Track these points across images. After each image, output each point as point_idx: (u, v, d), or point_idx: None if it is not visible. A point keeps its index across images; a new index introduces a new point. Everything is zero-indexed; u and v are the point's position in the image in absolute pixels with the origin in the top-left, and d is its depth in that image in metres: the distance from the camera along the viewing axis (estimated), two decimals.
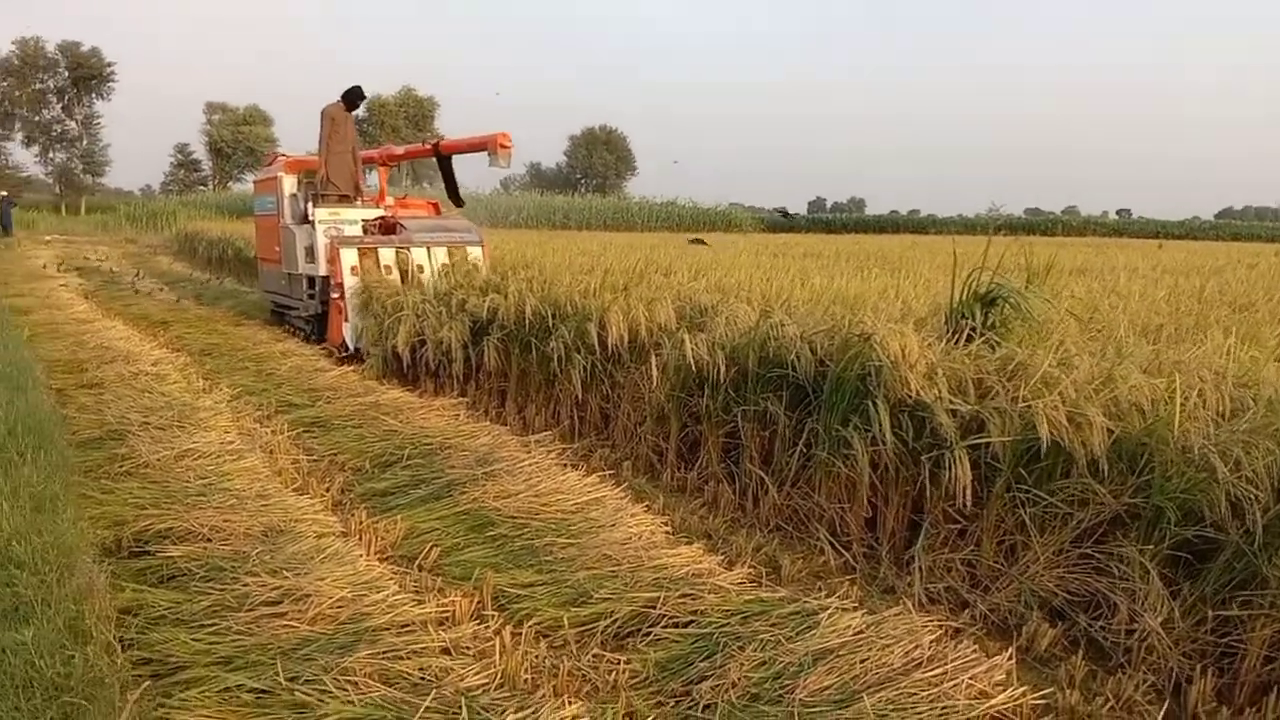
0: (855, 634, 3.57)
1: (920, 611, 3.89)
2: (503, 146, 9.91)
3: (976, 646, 3.49)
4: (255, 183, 12.92)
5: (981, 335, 5.13)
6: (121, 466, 5.41)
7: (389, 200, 11.66)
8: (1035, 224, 56.66)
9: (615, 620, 3.78)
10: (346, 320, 9.56)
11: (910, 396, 4.47)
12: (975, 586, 4.19)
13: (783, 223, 39.49)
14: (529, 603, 3.96)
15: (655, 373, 5.91)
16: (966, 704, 3.17)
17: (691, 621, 3.75)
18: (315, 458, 6.13)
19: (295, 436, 6.54)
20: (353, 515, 4.95)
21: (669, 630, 3.70)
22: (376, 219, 10.77)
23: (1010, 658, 3.40)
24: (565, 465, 5.79)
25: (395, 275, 9.83)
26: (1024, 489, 4.07)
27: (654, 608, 3.84)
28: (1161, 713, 3.30)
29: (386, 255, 9.98)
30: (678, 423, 5.94)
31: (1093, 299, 7.76)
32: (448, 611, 3.76)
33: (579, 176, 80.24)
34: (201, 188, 63.78)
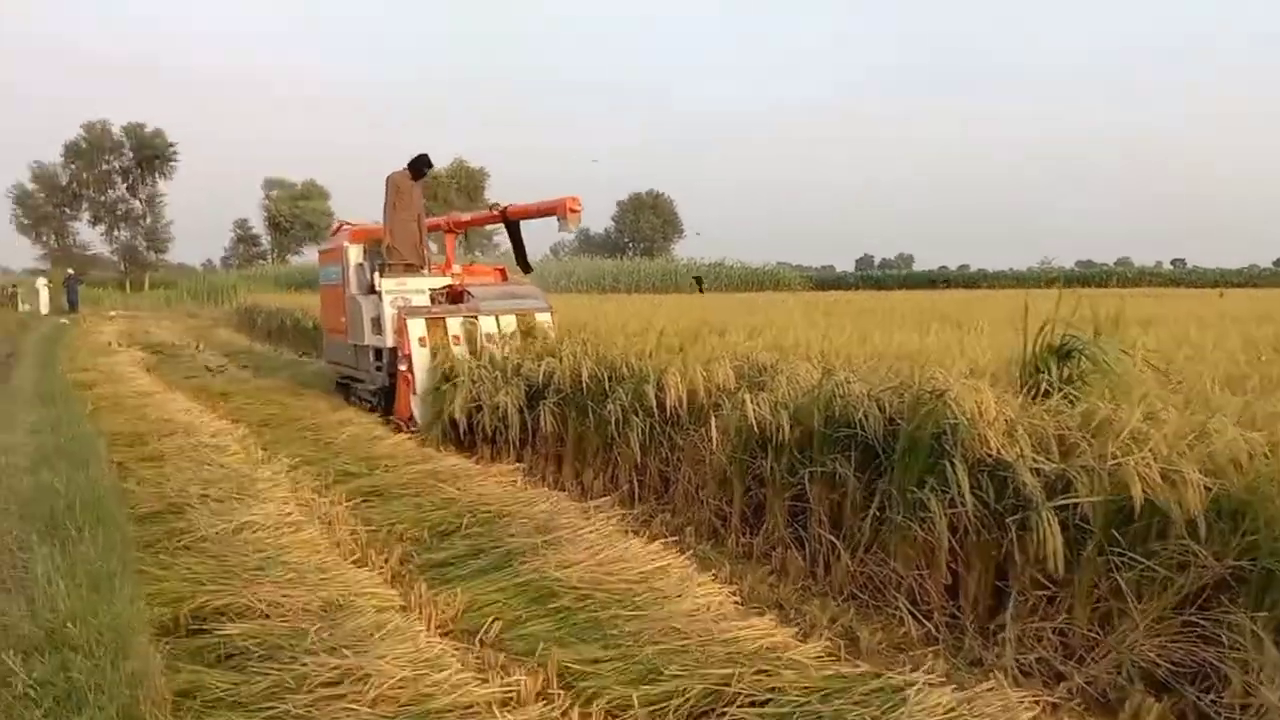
0: (946, 713, 3.34)
1: (1013, 686, 3.65)
2: (572, 211, 9.73)
3: None
4: (321, 253, 12.75)
5: (1059, 390, 4.92)
6: (180, 541, 5.35)
7: (456, 268, 11.42)
8: (1089, 276, 55.83)
9: (687, 699, 3.59)
10: (415, 393, 9.21)
11: (990, 455, 4.27)
12: (1069, 657, 3.93)
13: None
14: (595, 680, 3.78)
15: (715, 434, 5.74)
16: None
17: (769, 700, 3.54)
18: (373, 528, 6.03)
19: (353, 506, 6.45)
20: (412, 588, 4.82)
21: (746, 710, 3.50)
22: (444, 288, 10.53)
23: None
24: (627, 532, 5.63)
25: (464, 345, 9.46)
26: (1117, 552, 3.83)
27: (728, 685, 3.63)
28: None
29: (454, 325, 9.58)
30: (741, 486, 5.77)
31: (1165, 350, 7.47)
32: (512, 691, 3.60)
33: (627, 240, 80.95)
34: (261, 262, 65.34)
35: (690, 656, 3.87)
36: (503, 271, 11.79)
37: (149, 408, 10.58)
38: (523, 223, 11.11)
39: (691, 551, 5.34)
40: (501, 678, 3.70)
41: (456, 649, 3.99)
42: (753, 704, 3.55)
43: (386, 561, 5.37)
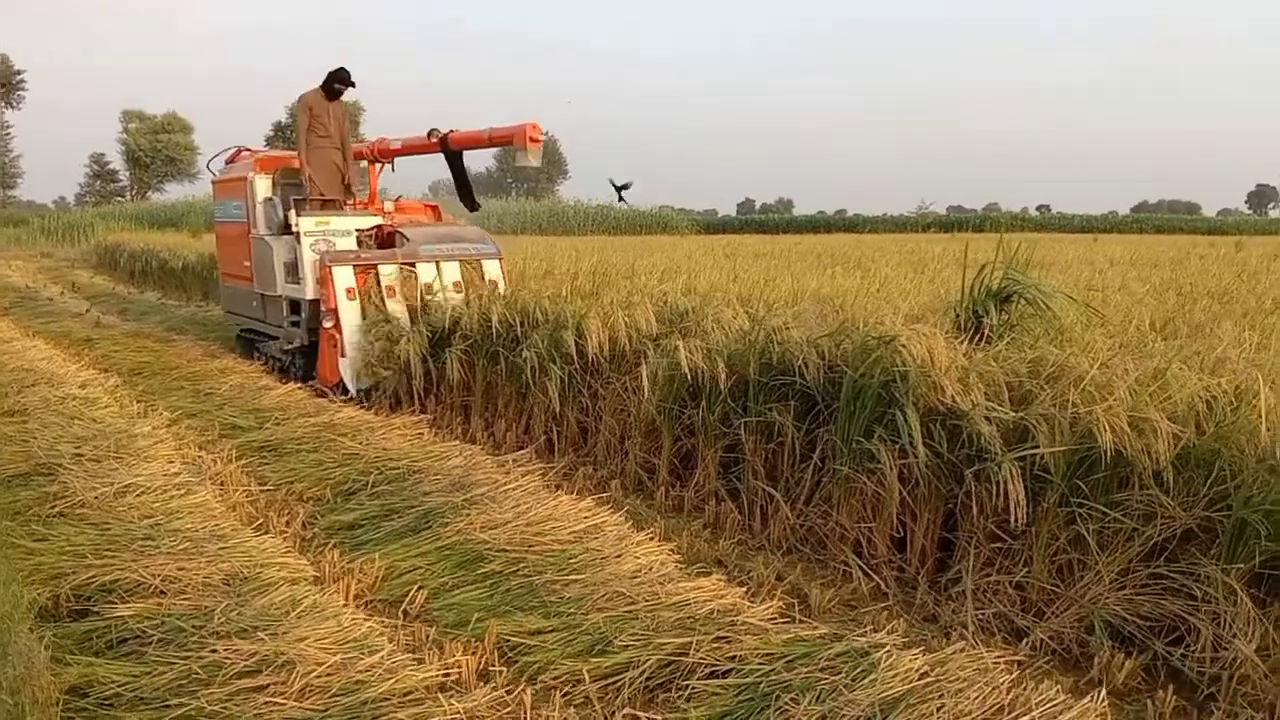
0: (920, 677, 3.14)
1: (976, 644, 3.50)
2: (533, 140, 8.19)
3: (1059, 686, 3.10)
4: (216, 184, 10.63)
5: (1000, 335, 4.78)
6: (54, 507, 4.78)
7: (387, 205, 9.81)
8: (962, 221, 57.16)
9: (643, 672, 3.31)
10: (344, 355, 7.85)
11: (943, 404, 4.09)
12: (1027, 611, 3.81)
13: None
14: (540, 654, 3.47)
15: (645, 382, 5.44)
16: None
17: (731, 670, 3.29)
18: (271, 487, 5.55)
19: (246, 464, 5.94)
20: (323, 555, 4.41)
21: (707, 682, 3.24)
22: (372, 229, 8.86)
23: (1103, 700, 3.01)
24: (552, 487, 5.30)
25: (399, 298, 8.09)
26: (1079, 502, 3.71)
27: (685, 654, 3.37)
28: None
29: (388, 273, 8.17)
30: (670, 436, 5.50)
31: (1083, 294, 7.50)
32: (452, 672, 3.25)
33: (510, 180, 79.27)
34: (119, 199, 61.47)
35: (640, 624, 3.59)
36: (436, 209, 10.30)
37: (5, 356, 9.65)
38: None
39: (627, 509, 5.04)
40: (438, 657, 3.36)
41: (384, 626, 3.61)
42: (713, 674, 3.30)
43: (289, 525, 4.94)
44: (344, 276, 8.02)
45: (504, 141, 8.57)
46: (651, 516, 5.09)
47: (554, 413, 6.30)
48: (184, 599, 3.67)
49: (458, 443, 6.30)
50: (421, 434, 6.63)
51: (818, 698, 3.06)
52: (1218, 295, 8.18)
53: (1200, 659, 3.31)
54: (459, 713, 2.95)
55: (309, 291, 8.33)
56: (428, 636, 3.64)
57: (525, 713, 3.04)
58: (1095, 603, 3.60)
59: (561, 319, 6.40)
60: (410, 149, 9.87)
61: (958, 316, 5.14)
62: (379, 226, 8.90)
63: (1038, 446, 3.75)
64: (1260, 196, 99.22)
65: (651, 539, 4.46)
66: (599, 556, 4.21)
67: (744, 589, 4.07)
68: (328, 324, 7.96)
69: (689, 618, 3.62)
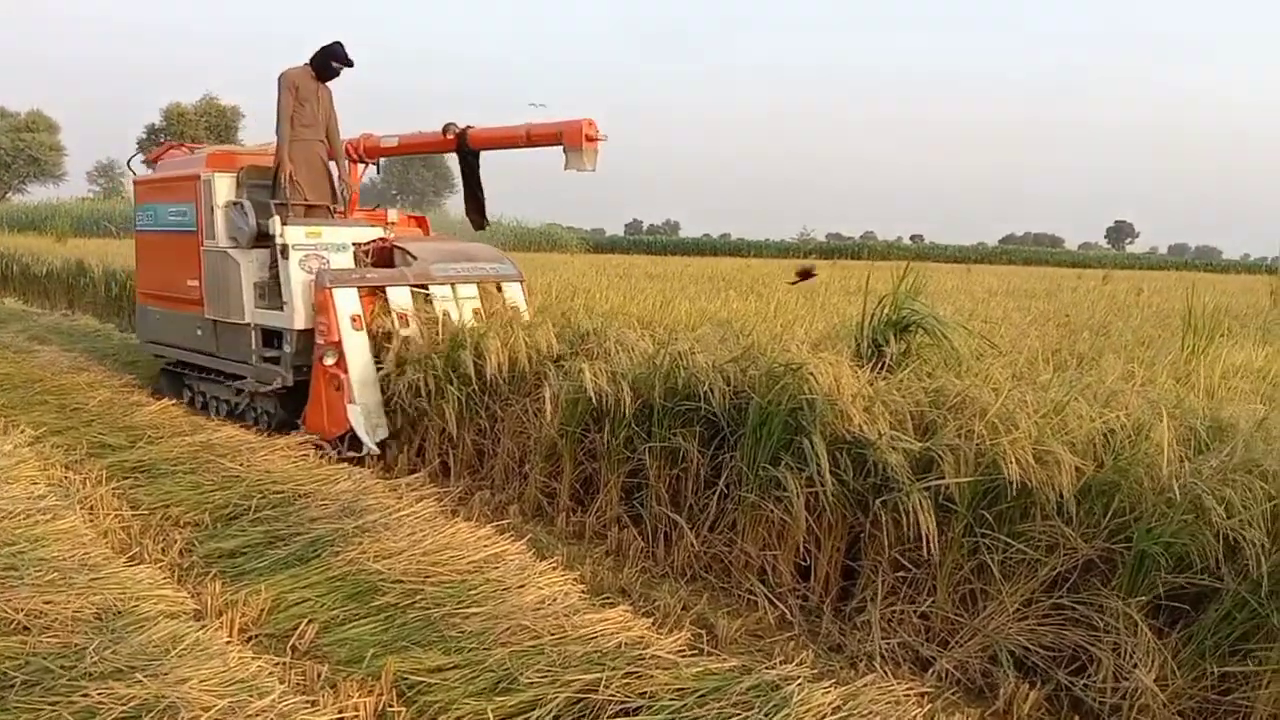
0: (834, 711, 3.10)
1: (885, 675, 3.49)
2: (589, 139, 6.63)
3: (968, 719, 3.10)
4: (140, 185, 8.70)
5: (899, 364, 4.83)
6: None
7: (392, 215, 8.42)
8: (842, 248, 58.74)
9: (550, 710, 3.18)
10: (352, 400, 6.40)
11: (850, 433, 4.09)
12: (932, 641, 3.83)
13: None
14: (441, 693, 3.31)
15: (548, 405, 5.31)
16: None
17: (642, 707, 3.19)
18: (145, 512, 5.22)
19: (117, 487, 5.58)
20: (204, 586, 4.15)
21: None
22: (371, 243, 7.33)
23: None
24: (449, 513, 5.12)
25: (414, 328, 6.64)
26: (983, 533, 3.75)
27: (595, 691, 3.26)
28: None
29: (399, 298, 6.77)
30: (571, 461, 5.38)
31: (977, 325, 7.70)
32: (348, 715, 3.07)
33: (394, 194, 77.82)
34: None
35: (547, 659, 3.46)
36: (423, 222, 8.82)
37: None
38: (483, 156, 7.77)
39: (530, 537, 4.89)
40: (333, 699, 3.16)
41: (273, 664, 3.39)
42: (624, 712, 3.19)
43: (166, 553, 4.64)
44: (348, 301, 6.55)
45: (548, 140, 6.87)
46: (553, 544, 4.96)
47: (449, 435, 6.11)
48: (51, 636, 3.37)
49: (346, 466, 6.04)
50: (307, 455, 6.34)
51: None
52: (1094, 328, 8.50)
53: (1102, 689, 3.36)
54: None
55: (298, 320, 6.75)
56: (320, 675, 3.44)
57: None
58: (999, 633, 3.63)
59: (459, 338, 6.22)
60: (411, 147, 8.22)
61: (858, 344, 5.18)
62: (380, 240, 7.40)
63: (944, 477, 3.78)
64: (1119, 231, 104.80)
65: (555, 568, 4.33)
66: (500, 587, 4.07)
67: (651, 620, 3.99)
68: (328, 361, 6.40)
69: (597, 651, 3.51)
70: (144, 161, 9.26)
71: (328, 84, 7.45)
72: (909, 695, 3.21)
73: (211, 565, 4.57)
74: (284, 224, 6.85)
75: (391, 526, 4.73)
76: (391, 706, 3.23)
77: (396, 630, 3.81)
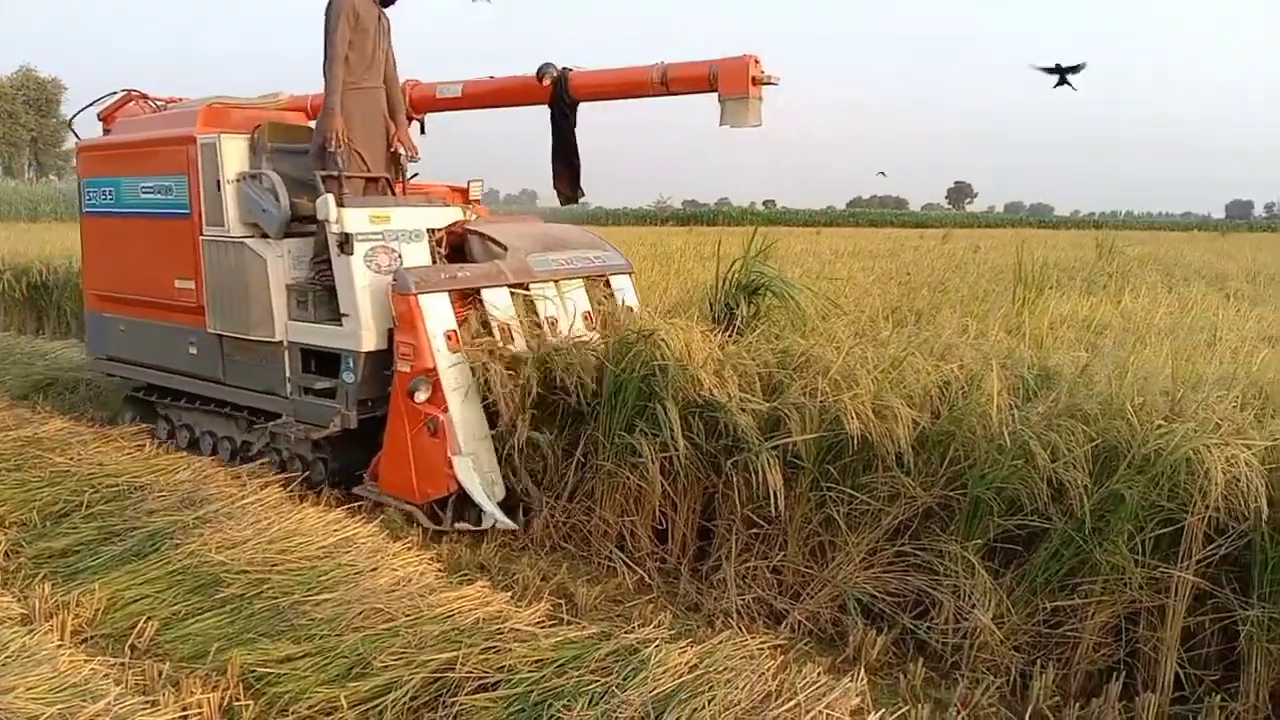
0: (690, 670, 3.13)
1: (741, 630, 3.56)
2: (755, 82, 4.86)
3: (820, 668, 3.19)
4: (90, 152, 6.66)
5: (752, 327, 4.91)
6: None
7: (475, 191, 6.48)
8: (698, 214, 59.48)
9: (406, 692, 3.12)
10: (457, 450, 4.66)
11: (701, 397, 4.13)
12: (785, 594, 3.93)
13: None
14: (291, 682, 3.20)
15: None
16: None
17: (500, 681, 3.16)
18: None
19: None
20: (32, 589, 3.90)
21: (476, 697, 3.09)
22: (449, 227, 5.57)
23: (861, 678, 3.12)
24: (296, 499, 4.95)
25: (520, 345, 4.94)
26: (829, 486, 3.85)
27: (452, 669, 3.21)
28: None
29: (498, 303, 5.05)
30: None
31: (814, 283, 7.90)
32: (192, 712, 2.94)
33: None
34: None
35: (402, 640, 3.38)
36: (464, 194, 6.46)
37: None
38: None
39: (380, 518, 4.78)
40: (175, 697, 3.02)
41: (109, 665, 3.22)
42: (483, 687, 3.15)
43: None
44: (442, 313, 4.80)
45: (692, 85, 5.16)
46: (408, 524, 4.86)
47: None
48: None
49: (185, 455, 5.77)
50: (144, 446, 6.02)
51: (590, 701, 2.99)
52: (933, 285, 8.86)
53: (944, 631, 3.52)
54: None
55: (367, 338, 4.95)
56: (161, 674, 3.28)
57: None
58: (847, 582, 3.75)
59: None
60: (481, 97, 6.19)
61: (711, 309, 5.24)
62: (455, 226, 5.62)
63: (791, 435, 3.86)
64: (959, 193, 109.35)
65: (410, 548, 4.25)
66: (353, 571, 3.96)
67: (510, 594, 3.95)
68: (420, 396, 4.65)
69: (454, 629, 3.46)
70: (99, 119, 6.97)
71: (387, 10, 5.64)
72: (763, 648, 3.28)
73: (41, 566, 4.30)
74: (340, 205, 5.02)
75: (235, 515, 4.54)
76: (239, 700, 3.12)
77: (243, 622, 3.66)
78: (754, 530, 4.07)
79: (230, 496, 4.84)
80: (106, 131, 6.82)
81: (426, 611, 3.60)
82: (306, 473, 5.40)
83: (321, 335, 5.21)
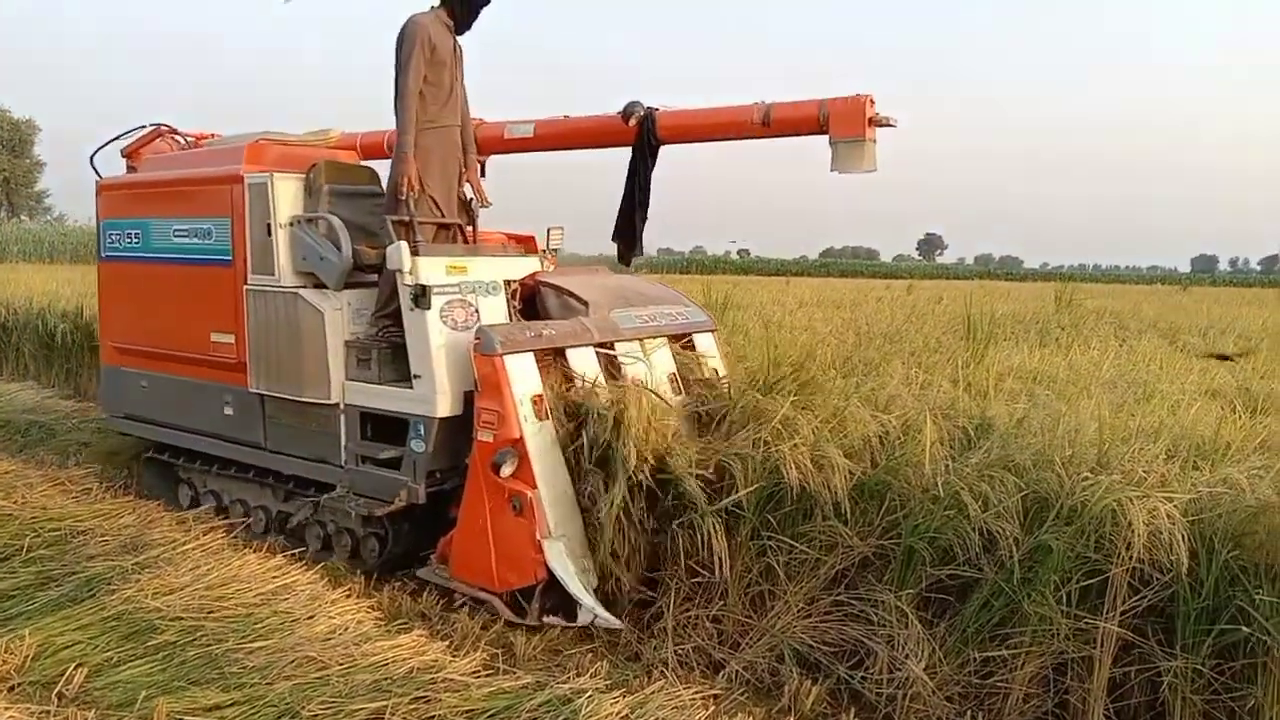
0: (623, 719, 3.15)
1: (677, 681, 3.56)
2: (872, 122, 4.66)
3: (752, 718, 3.20)
4: (114, 190, 6.18)
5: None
6: None
7: (554, 238, 6.19)
8: (672, 263, 59.93)
9: None
10: (547, 532, 4.11)
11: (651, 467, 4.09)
12: (724, 644, 3.92)
13: None
14: None
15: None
16: None
17: None
18: None
19: None
20: None
21: None
22: (526, 279, 5.13)
23: None
24: (239, 546, 4.91)
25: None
26: (770, 535, 3.88)
27: (381, 719, 3.20)
28: None
29: (584, 364, 4.56)
30: None
31: (774, 334, 7.97)
32: None
33: None
34: None
35: (332, 689, 3.37)
36: (531, 242, 6.17)
37: None
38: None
39: (322, 566, 4.75)
40: None
41: (32, 714, 3.17)
42: None
43: None
44: (527, 375, 4.32)
45: (801, 126, 4.90)
46: (351, 572, 4.82)
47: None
48: None
49: (133, 499, 5.72)
50: (90, 490, 5.97)
51: None
52: (889, 335, 8.95)
53: (878, 680, 3.52)
54: None
55: (441, 403, 4.45)
56: None
57: None
58: (785, 632, 3.75)
59: None
60: (556, 138, 5.86)
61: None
62: (529, 278, 5.15)
63: (736, 490, 3.88)
64: (929, 244, 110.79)
65: (349, 596, 4.24)
66: (289, 619, 3.94)
67: (447, 643, 3.94)
68: (505, 470, 4.11)
69: (386, 679, 3.45)
70: (123, 156, 6.48)
71: (458, 37, 5.14)
72: (695, 699, 3.30)
73: None
74: (415, 254, 4.57)
75: (175, 561, 4.51)
76: None
77: (175, 669, 3.62)
78: (696, 579, 4.06)
79: (173, 542, 4.81)
80: (131, 169, 6.39)
81: (360, 660, 3.58)
82: (359, 545, 4.97)
83: (387, 398, 4.68)
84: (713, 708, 3.26)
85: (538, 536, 4.08)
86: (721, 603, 3.97)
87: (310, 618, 3.95)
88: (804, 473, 3.73)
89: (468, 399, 4.41)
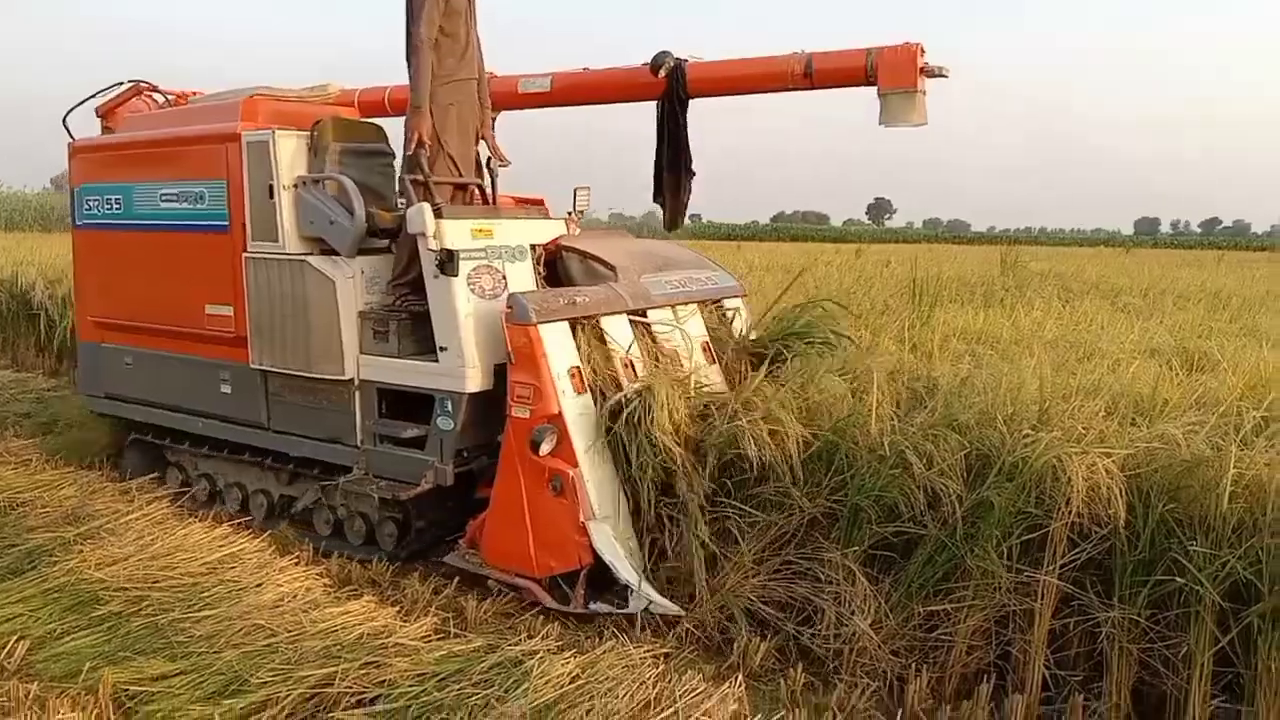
0: (572, 680, 3.16)
1: (628, 641, 3.59)
2: (923, 72, 4.46)
3: (701, 675, 3.23)
4: (90, 153, 5.79)
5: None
6: None
7: (576, 210, 5.46)
8: (623, 228, 59.60)
9: (283, 709, 3.10)
10: (590, 514, 3.91)
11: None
12: (676, 602, 3.94)
13: None
14: (164, 701, 3.16)
15: None
16: None
17: (379, 696, 3.14)
18: None
19: None
20: None
21: (353, 712, 3.08)
22: (548, 244, 4.89)
23: (739, 684, 3.17)
24: (184, 515, 4.85)
25: (636, 374, 4.29)
26: (725, 500, 3.90)
27: (330, 685, 3.18)
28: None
29: (619, 333, 4.36)
30: None
31: None
32: None
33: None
34: None
35: (281, 657, 3.35)
36: (541, 205, 5.62)
37: None
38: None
39: (270, 533, 4.70)
40: (40, 718, 2.94)
41: None
42: (360, 703, 3.14)
43: None
44: (564, 346, 4.10)
45: (846, 78, 4.72)
46: (301, 540, 4.79)
47: None
48: None
49: (74, 470, 5.62)
50: (30, 461, 5.85)
51: (470, 714, 2.99)
52: (838, 298, 8.99)
53: (826, 636, 3.58)
54: None
55: (471, 376, 4.20)
56: (29, 695, 3.19)
57: None
58: (735, 590, 3.79)
59: None
60: (576, 91, 5.60)
61: None
62: (553, 242, 4.90)
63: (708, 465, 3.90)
64: (878, 208, 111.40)
65: (297, 564, 4.21)
66: (236, 587, 3.91)
67: (398, 608, 3.94)
68: (544, 448, 3.89)
69: (336, 645, 3.44)
70: (98, 115, 6.04)
71: None
72: (646, 657, 3.31)
73: None
74: (439, 217, 4.31)
75: (119, 531, 4.46)
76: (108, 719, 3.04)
77: (119, 640, 3.59)
78: (653, 537, 4.07)
79: (116, 512, 4.75)
80: (107, 130, 5.96)
81: (309, 627, 3.57)
82: (373, 530, 4.70)
83: (409, 373, 4.40)
84: (663, 665, 3.28)
85: (581, 519, 3.86)
86: (675, 562, 3.99)
87: (258, 586, 3.92)
88: (761, 446, 3.74)
89: (497, 372, 4.21)
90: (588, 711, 2.98)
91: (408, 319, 4.45)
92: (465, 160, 4.85)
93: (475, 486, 4.45)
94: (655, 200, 5.42)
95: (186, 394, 5.29)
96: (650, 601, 3.80)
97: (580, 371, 4.08)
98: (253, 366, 4.86)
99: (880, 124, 4.56)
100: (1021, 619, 3.35)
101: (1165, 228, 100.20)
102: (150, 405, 5.56)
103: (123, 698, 3.19)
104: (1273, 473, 3.08)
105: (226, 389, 5.08)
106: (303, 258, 4.61)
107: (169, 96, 5.99)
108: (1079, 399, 3.77)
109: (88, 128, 6.03)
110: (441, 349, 4.24)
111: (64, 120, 5.85)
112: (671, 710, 3.01)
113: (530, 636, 3.59)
